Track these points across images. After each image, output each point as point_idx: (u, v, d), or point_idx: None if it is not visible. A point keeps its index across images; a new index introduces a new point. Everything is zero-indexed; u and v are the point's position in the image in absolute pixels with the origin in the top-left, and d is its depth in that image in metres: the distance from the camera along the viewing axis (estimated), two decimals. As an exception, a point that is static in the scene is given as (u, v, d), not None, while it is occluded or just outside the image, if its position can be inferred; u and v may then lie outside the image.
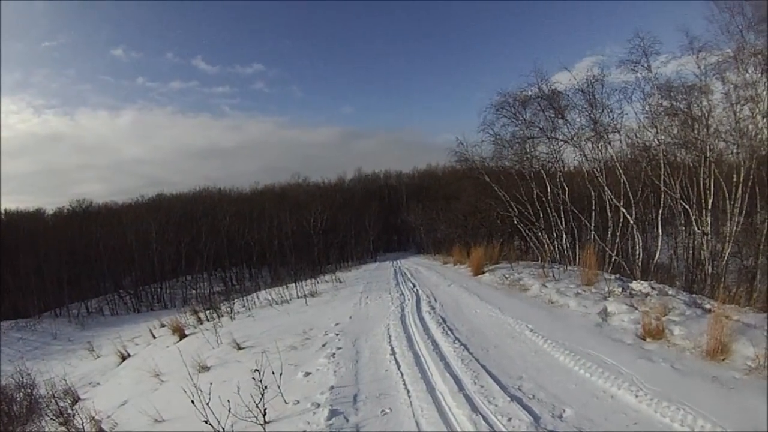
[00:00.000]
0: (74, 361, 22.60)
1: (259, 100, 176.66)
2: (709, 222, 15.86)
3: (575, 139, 20.22)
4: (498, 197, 23.28)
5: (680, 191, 16.49)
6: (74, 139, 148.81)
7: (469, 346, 7.24)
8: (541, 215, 21.36)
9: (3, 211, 62.69)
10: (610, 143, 18.85)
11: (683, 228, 17.32)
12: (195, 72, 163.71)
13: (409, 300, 12.21)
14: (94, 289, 51.46)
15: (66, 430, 8.93)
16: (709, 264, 15.45)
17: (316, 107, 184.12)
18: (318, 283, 20.08)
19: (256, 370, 6.01)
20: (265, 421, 5.51)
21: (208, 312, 18.32)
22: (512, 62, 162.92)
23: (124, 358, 17.31)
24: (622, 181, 17.68)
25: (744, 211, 15.17)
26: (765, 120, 14.58)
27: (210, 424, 5.31)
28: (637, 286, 9.29)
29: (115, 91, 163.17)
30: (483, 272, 14.45)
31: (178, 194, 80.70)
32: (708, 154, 15.68)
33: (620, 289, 9.12)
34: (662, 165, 16.71)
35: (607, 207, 18.55)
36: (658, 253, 17.00)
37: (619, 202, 17.69)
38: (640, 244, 17.29)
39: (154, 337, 19.91)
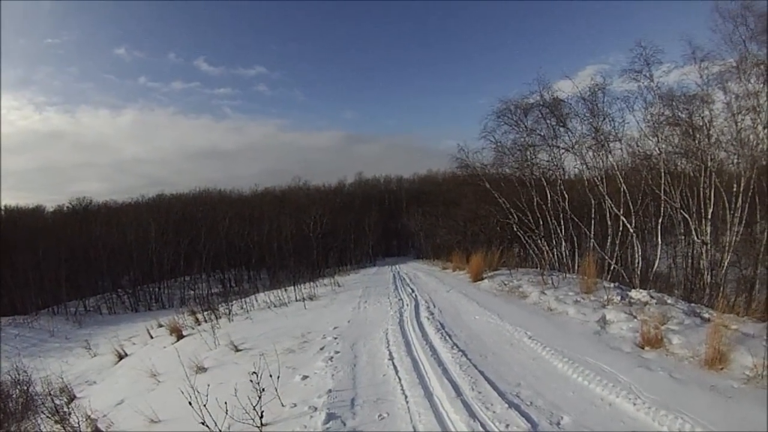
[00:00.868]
0: (71, 359, 22.60)
1: (260, 102, 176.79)
2: (708, 231, 15.87)
3: (576, 147, 20.25)
4: (498, 204, 23.31)
5: (680, 200, 16.52)
6: (75, 137, 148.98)
7: (468, 353, 7.23)
8: (541, 222, 21.38)
9: (3, 208, 62.67)
10: (611, 152, 18.89)
11: (683, 237, 17.33)
12: (197, 73, 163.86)
13: (407, 305, 12.18)
14: (92, 288, 51.40)
15: (62, 428, 8.89)
16: (708, 273, 15.46)
17: (318, 111, 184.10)
18: (317, 286, 20.08)
19: (254, 372, 6.00)
20: (261, 424, 5.49)
21: (206, 313, 18.30)
22: (515, 70, 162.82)
23: (121, 358, 17.29)
24: (622, 189, 17.70)
25: (744, 221, 15.19)
26: (766, 130, 14.61)
27: (207, 426, 5.31)
28: (636, 294, 9.28)
29: (116, 90, 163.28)
30: (482, 278, 14.43)
31: (178, 195, 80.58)
32: (709, 164, 15.71)
33: (619, 298, 9.11)
34: (663, 174, 16.74)
35: (607, 215, 18.57)
36: (657, 261, 17.01)
37: (619, 211, 17.71)
38: (640, 253, 17.31)
39: (152, 337, 19.90)
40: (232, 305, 18.83)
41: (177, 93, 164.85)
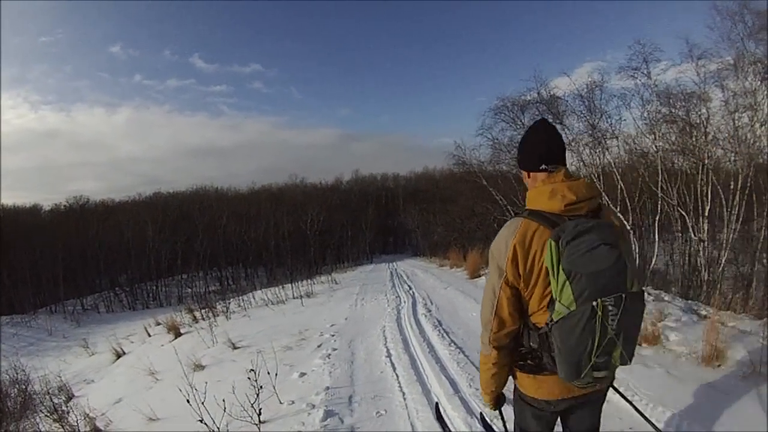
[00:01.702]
0: (69, 358, 22.56)
1: (256, 100, 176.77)
2: (705, 229, 15.86)
3: (573, 144, 20.21)
4: (495, 201, 23.32)
5: (677, 198, 16.51)
6: (71, 136, 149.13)
7: (465, 349, 7.24)
8: (538, 219, 21.36)
9: (1, 207, 62.62)
10: (608, 149, 18.86)
11: (680, 234, 17.32)
12: (192, 70, 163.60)
13: (405, 302, 12.19)
14: (89, 286, 51.55)
15: (60, 426, 8.90)
16: (705, 270, 15.46)
17: (314, 108, 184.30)
18: (314, 283, 20.08)
19: (252, 369, 5.98)
20: (260, 421, 5.49)
21: (203, 311, 18.30)
22: (511, 67, 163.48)
23: (119, 356, 17.28)
24: (619, 186, 17.69)
25: (741, 219, 15.18)
26: (763, 128, 14.61)
27: (205, 424, 5.31)
28: (634, 291, 9.29)
29: (111, 88, 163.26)
30: (479, 275, 14.44)
31: (175, 193, 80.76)
32: (706, 162, 15.70)
33: (616, 295, 9.11)
34: (660, 171, 16.72)
35: (604, 212, 18.55)
36: (654, 259, 17.00)
37: (616, 208, 17.69)
38: (637, 250, 17.30)
39: (150, 335, 19.90)
40: (229, 303, 18.85)
41: (172, 90, 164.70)
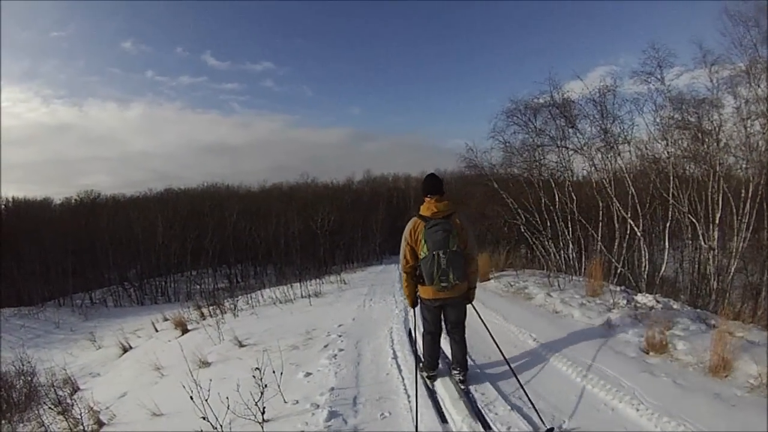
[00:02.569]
0: (75, 351, 22.70)
1: (268, 98, 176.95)
2: (716, 236, 15.81)
3: (585, 148, 20.20)
4: (506, 204, 23.24)
5: (688, 205, 16.47)
6: (82, 130, 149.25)
7: (471, 353, 7.16)
8: (548, 224, 21.33)
9: (11, 199, 62.92)
10: (620, 154, 18.84)
11: (690, 242, 17.27)
12: (204, 67, 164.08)
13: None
14: (98, 280, 51.73)
15: (64, 419, 8.92)
16: (714, 279, 15.41)
17: (326, 107, 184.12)
18: (323, 283, 19.99)
19: (257, 368, 5.98)
20: (263, 420, 5.49)
21: (211, 308, 18.32)
22: (525, 69, 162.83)
23: (125, 350, 17.36)
24: (630, 192, 17.65)
25: (751, 227, 15.12)
26: (775, 136, 14.59)
27: (208, 421, 5.30)
28: (642, 298, 9.25)
29: (123, 84, 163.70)
30: (488, 279, 14.37)
31: (186, 189, 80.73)
32: (717, 169, 15.65)
33: (625, 302, 9.07)
34: (671, 178, 16.69)
35: (615, 218, 18.50)
36: (664, 266, 16.96)
37: (627, 214, 17.65)
38: (647, 257, 17.25)
39: (157, 331, 19.97)
40: (237, 300, 18.83)
41: (184, 87, 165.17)
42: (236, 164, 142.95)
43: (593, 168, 20.15)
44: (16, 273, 44.44)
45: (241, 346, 10.52)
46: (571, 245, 20.55)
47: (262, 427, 5.44)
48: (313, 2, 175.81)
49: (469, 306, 6.33)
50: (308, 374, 7.27)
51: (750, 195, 15.04)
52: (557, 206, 20.83)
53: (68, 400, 10.86)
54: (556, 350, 6.94)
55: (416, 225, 5.55)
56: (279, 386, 6.32)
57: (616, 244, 18.54)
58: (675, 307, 8.76)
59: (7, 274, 44.02)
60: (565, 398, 5.46)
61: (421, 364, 6.54)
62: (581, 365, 6.26)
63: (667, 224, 17.21)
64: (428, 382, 6.33)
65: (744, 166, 15.76)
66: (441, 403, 5.71)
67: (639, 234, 17.43)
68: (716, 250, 15.75)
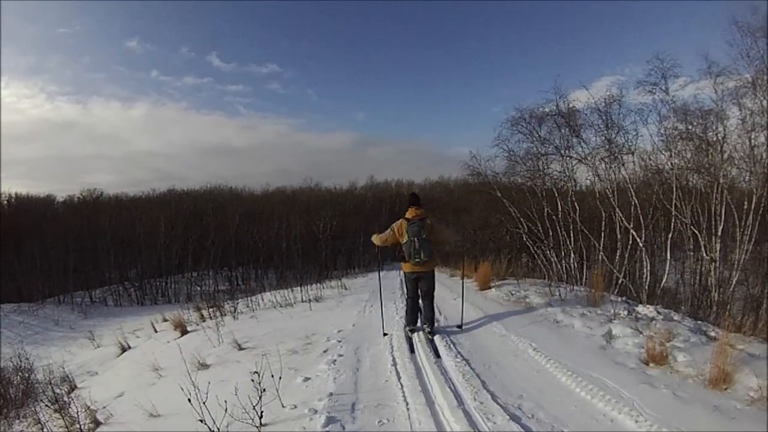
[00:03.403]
0: (74, 349, 22.77)
1: (273, 101, 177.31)
2: (717, 248, 15.79)
3: (589, 158, 20.21)
4: (509, 213, 23.27)
5: (691, 216, 16.45)
6: (86, 128, 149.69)
7: (471, 362, 7.18)
8: (551, 233, 21.35)
9: (14, 195, 63.12)
10: (623, 164, 18.83)
11: (691, 253, 17.26)
12: (209, 68, 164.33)
13: (418, 340, 12.12)
14: (99, 279, 51.81)
15: (60, 417, 8.91)
16: (715, 291, 15.39)
17: (331, 112, 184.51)
18: (323, 288, 19.99)
19: (256, 372, 5.98)
20: (261, 424, 5.48)
21: (211, 310, 18.32)
22: (530, 78, 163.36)
23: (124, 350, 17.38)
24: (633, 203, 17.66)
25: (753, 239, 15.11)
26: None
27: (205, 423, 5.31)
28: (643, 309, 9.24)
29: (128, 83, 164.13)
30: (489, 287, 14.34)
31: (189, 190, 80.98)
32: (721, 180, 15.64)
33: (626, 312, 9.06)
34: (674, 189, 16.69)
35: (617, 228, 18.50)
36: (665, 277, 16.95)
37: (629, 224, 17.65)
38: (648, 268, 17.25)
39: (156, 331, 20.01)
40: (237, 303, 18.83)
41: (189, 88, 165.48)
42: (240, 166, 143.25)
43: (597, 178, 20.18)
44: (16, 269, 44.50)
45: (241, 349, 10.51)
46: (572, 255, 20.56)
47: (259, 431, 5.43)
48: (319, 5, 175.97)
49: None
50: (307, 379, 7.25)
51: (753, 207, 15.03)
52: (560, 215, 20.85)
53: (65, 398, 10.85)
54: (556, 360, 6.92)
55: (402, 223, 9.13)
56: (277, 390, 6.29)
57: (618, 254, 18.53)
58: (676, 318, 8.74)
59: (8, 270, 44.10)
60: (564, 408, 5.44)
61: (405, 321, 9.95)
62: (581, 375, 6.24)
63: (669, 235, 17.19)
64: (409, 333, 9.44)
65: (747, 178, 15.76)
66: (414, 345, 8.19)
67: (641, 245, 17.42)
68: (718, 262, 15.73)
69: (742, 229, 15.32)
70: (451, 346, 8.23)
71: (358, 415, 5.74)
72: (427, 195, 76.71)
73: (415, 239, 8.81)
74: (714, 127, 16.46)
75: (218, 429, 5.34)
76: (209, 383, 6.39)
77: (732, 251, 15.80)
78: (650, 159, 19.02)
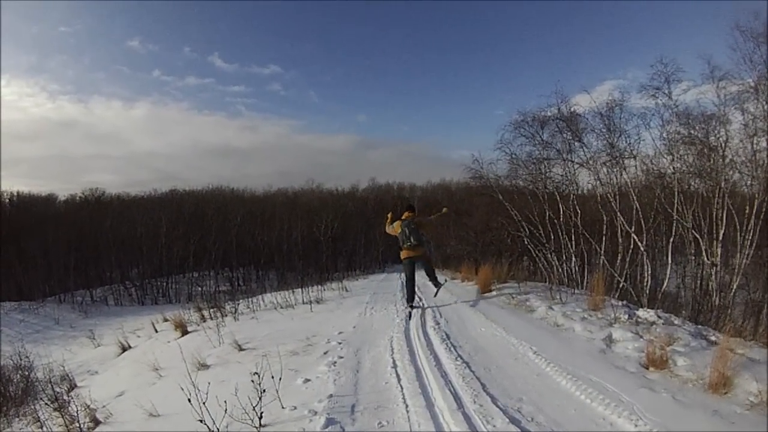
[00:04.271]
0: (74, 348, 22.79)
1: (274, 102, 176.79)
2: (719, 253, 15.78)
3: (591, 162, 20.22)
4: (510, 216, 23.26)
5: (692, 220, 16.44)
6: (88, 127, 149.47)
7: (471, 364, 7.18)
8: (552, 237, 21.33)
9: (16, 193, 63.24)
10: (625, 168, 18.83)
11: (693, 257, 17.24)
12: (211, 69, 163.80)
13: (414, 314, 12.14)
14: (100, 278, 51.88)
15: (60, 415, 8.92)
16: (716, 295, 15.39)
17: (332, 114, 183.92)
18: (324, 290, 19.93)
19: (256, 372, 5.98)
20: (260, 425, 5.49)
21: (212, 310, 18.32)
22: (532, 81, 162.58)
23: (124, 350, 17.41)
24: (634, 207, 17.67)
25: (754, 244, 15.11)
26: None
27: (205, 424, 5.31)
28: (644, 313, 9.22)
29: (129, 83, 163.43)
30: (490, 290, 14.33)
31: (191, 191, 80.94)
32: (722, 185, 15.64)
33: (626, 316, 9.05)
34: (676, 193, 16.69)
35: (619, 232, 18.49)
36: (666, 281, 16.94)
37: (631, 228, 17.65)
38: (649, 272, 17.24)
39: (156, 331, 20.02)
40: (238, 304, 18.82)
41: (191, 88, 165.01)
42: (241, 167, 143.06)
43: (598, 182, 20.18)
44: (17, 267, 44.51)
45: (241, 350, 10.52)
46: (574, 258, 20.55)
47: (259, 432, 5.43)
48: (320, 7, 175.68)
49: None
50: (307, 380, 7.25)
51: (754, 212, 15.03)
52: (561, 219, 20.83)
53: (65, 397, 10.87)
54: (556, 363, 6.91)
55: (398, 224, 12.73)
56: (277, 391, 6.30)
57: (619, 258, 18.52)
58: (676, 322, 8.73)
59: (9, 268, 44.11)
60: (564, 412, 5.43)
61: (405, 299, 13.04)
62: (581, 379, 6.24)
63: (671, 239, 17.18)
64: (408, 309, 12.25)
65: (749, 182, 15.76)
66: (411, 319, 10.53)
67: (642, 249, 17.41)
68: (719, 267, 15.73)
69: (743, 234, 15.31)
70: (452, 348, 8.23)
71: (357, 416, 5.73)
72: (428, 198, 76.83)
73: (406, 229, 12.53)
74: (716, 132, 16.47)
75: (218, 429, 5.34)
76: (209, 383, 6.38)
77: (733, 256, 15.80)
78: (652, 163, 19.03)
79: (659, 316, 8.97)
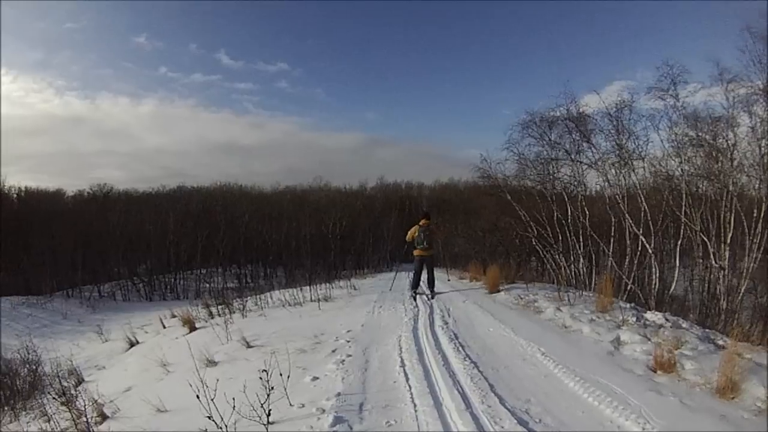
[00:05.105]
0: (82, 343, 22.80)
1: (282, 99, 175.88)
2: (726, 256, 15.75)
3: (599, 163, 20.19)
4: (518, 217, 23.22)
5: (700, 223, 16.41)
6: (95, 124, 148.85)
7: (480, 365, 7.20)
8: (560, 237, 21.29)
9: (24, 188, 63.34)
10: (633, 170, 18.79)
11: (700, 260, 17.19)
12: (218, 66, 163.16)
13: (422, 313, 12.14)
14: (108, 274, 51.70)
15: (67, 410, 8.94)
16: (724, 299, 15.35)
17: (340, 111, 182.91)
18: (332, 288, 19.88)
19: (264, 370, 5.98)
20: (269, 422, 5.51)
21: (220, 307, 18.34)
22: (541, 80, 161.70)
23: (132, 345, 17.41)
24: (643, 209, 17.64)
25: (762, 248, 15.07)
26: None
27: (213, 420, 5.34)
28: (652, 316, 9.23)
29: (136, 79, 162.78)
30: (498, 291, 14.34)
31: (198, 187, 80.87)
32: (730, 188, 15.60)
33: (634, 319, 9.05)
34: (684, 195, 16.66)
35: (627, 234, 18.45)
36: (674, 284, 16.91)
37: (639, 230, 17.61)
38: (657, 274, 17.21)
39: (164, 327, 20.03)
40: (246, 301, 18.82)
41: (197, 85, 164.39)
42: (249, 164, 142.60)
43: (606, 183, 20.14)
44: (25, 262, 44.55)
45: (249, 347, 10.53)
46: (582, 260, 20.52)
47: (267, 429, 5.46)
48: (327, 5, 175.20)
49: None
50: (315, 378, 7.28)
51: (762, 215, 14.99)
52: (569, 220, 20.79)
53: (72, 391, 10.86)
54: (564, 365, 6.92)
55: (415, 228, 14.56)
56: (285, 389, 6.34)
57: (627, 260, 18.49)
58: (684, 326, 8.74)
59: (17, 263, 44.15)
60: (572, 413, 5.46)
61: (410, 286, 15.11)
62: (588, 381, 6.25)
63: (679, 242, 17.16)
64: (415, 295, 14.42)
65: (757, 185, 15.72)
66: (416, 303, 11.79)
67: (650, 251, 17.38)
68: (726, 270, 15.69)
69: (751, 238, 15.28)
70: (460, 348, 8.24)
71: (365, 415, 5.76)
72: (436, 197, 76.67)
73: (422, 234, 14.59)
74: (724, 134, 16.45)
75: (226, 426, 5.36)
76: (217, 380, 6.42)
77: (741, 259, 15.76)
78: (660, 165, 19.00)
79: (667, 319, 8.98)
